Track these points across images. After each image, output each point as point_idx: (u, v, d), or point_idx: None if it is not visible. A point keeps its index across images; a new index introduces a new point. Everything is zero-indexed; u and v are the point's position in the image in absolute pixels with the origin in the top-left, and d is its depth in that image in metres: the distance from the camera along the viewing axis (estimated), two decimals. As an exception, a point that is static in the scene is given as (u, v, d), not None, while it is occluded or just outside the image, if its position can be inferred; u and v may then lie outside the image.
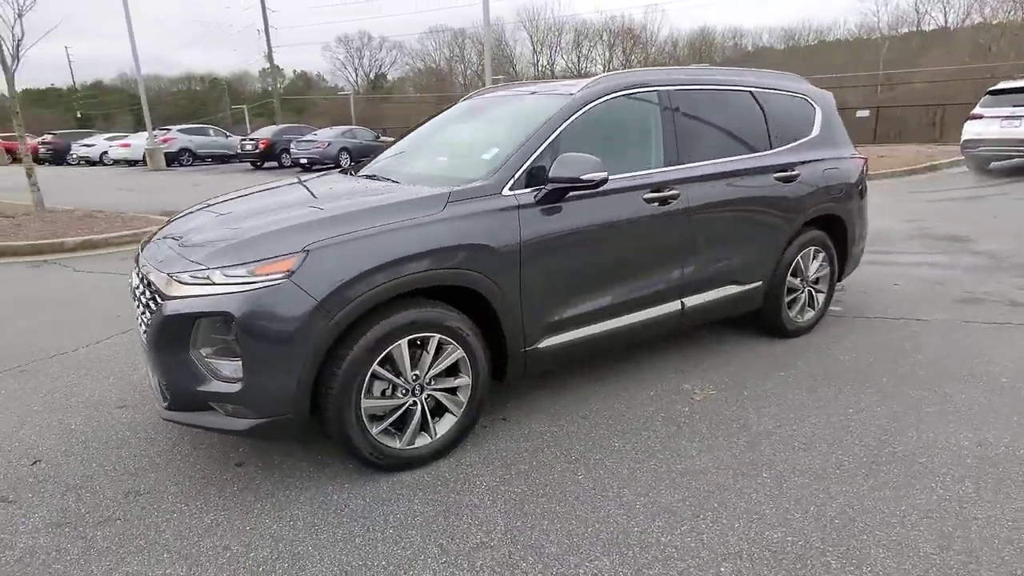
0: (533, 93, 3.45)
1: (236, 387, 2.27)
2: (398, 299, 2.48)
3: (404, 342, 2.48)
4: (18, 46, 8.77)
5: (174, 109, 59.09)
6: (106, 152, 26.21)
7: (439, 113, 4.09)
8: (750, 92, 3.75)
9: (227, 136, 25.97)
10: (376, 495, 2.46)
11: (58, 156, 28.26)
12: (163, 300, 2.35)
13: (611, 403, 3.20)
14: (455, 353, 2.62)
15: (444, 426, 2.69)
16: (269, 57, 40.67)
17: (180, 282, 2.33)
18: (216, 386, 2.30)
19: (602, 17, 70.56)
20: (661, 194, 3.17)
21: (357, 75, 66.69)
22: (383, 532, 2.24)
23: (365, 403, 2.44)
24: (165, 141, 24.39)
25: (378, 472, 2.59)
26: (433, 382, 2.62)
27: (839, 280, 4.38)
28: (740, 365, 3.64)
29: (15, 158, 30.45)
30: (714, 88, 3.62)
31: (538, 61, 56.13)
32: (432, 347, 2.56)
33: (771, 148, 3.75)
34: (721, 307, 3.63)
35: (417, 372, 2.55)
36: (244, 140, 22.22)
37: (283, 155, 20.64)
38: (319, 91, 68.47)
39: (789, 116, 3.96)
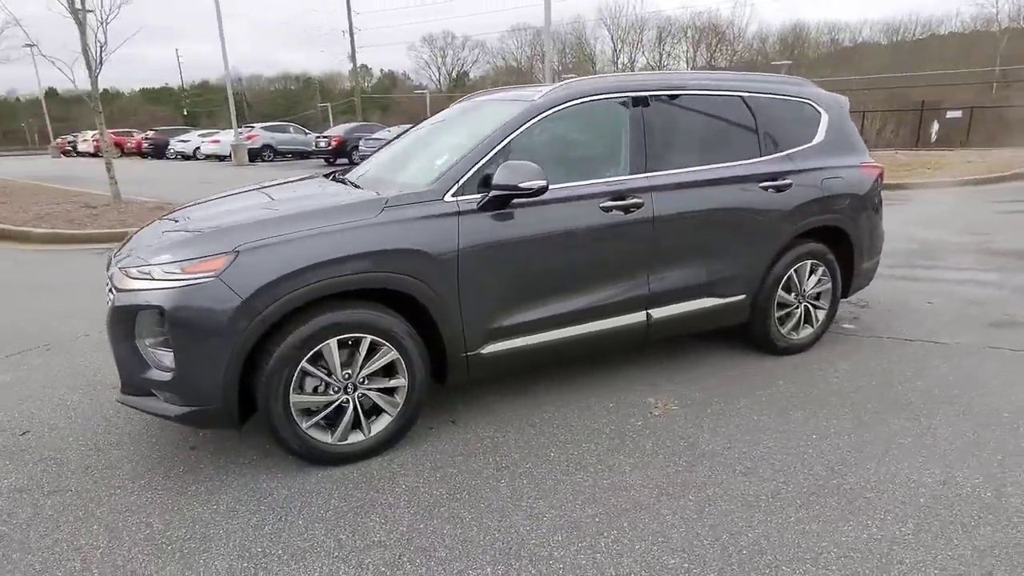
0: (504, 99, 3.45)
1: (169, 376, 2.43)
2: (329, 299, 2.57)
3: (333, 341, 2.56)
4: (101, 51, 9.65)
5: (271, 107, 62.37)
6: (199, 148, 28.14)
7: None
8: (741, 97, 3.59)
9: (306, 133, 27.22)
10: (302, 487, 2.56)
11: (158, 151, 30.65)
12: (115, 293, 2.55)
13: (565, 412, 3.17)
14: (389, 355, 2.69)
15: (379, 425, 2.76)
16: (352, 57, 42.54)
17: (128, 276, 2.51)
18: (155, 374, 2.47)
19: (687, 13, 68.78)
20: (622, 202, 3.10)
21: (440, 74, 68.24)
22: (293, 523, 2.34)
23: (294, 398, 2.55)
24: (250, 138, 25.90)
25: (312, 465, 2.69)
26: (367, 381, 2.69)
27: (845, 297, 4.11)
28: (719, 381, 3.50)
29: (123, 152, 33.35)
30: (697, 94, 3.48)
31: (618, 59, 55.27)
32: (364, 348, 2.64)
33: (760, 155, 3.58)
34: (697, 320, 3.50)
35: (349, 371, 2.64)
36: (319, 137, 23.24)
37: (353, 152, 21.44)
38: (403, 90, 70.50)
39: (787, 122, 3.76)
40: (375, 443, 2.75)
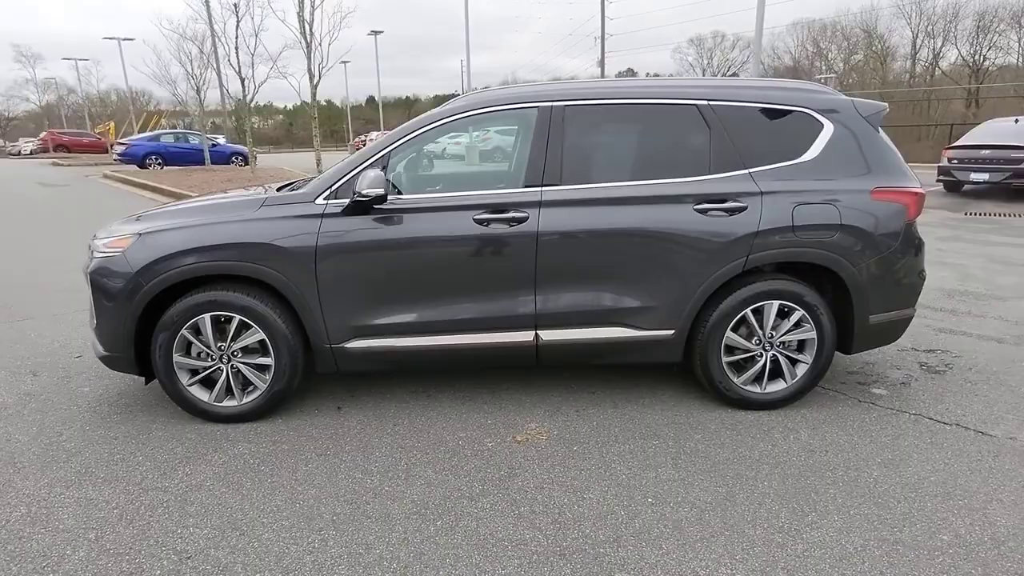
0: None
1: (94, 325, 3.15)
2: (208, 280, 3.03)
3: (207, 316, 3.03)
4: (320, 67, 11.74)
5: None
6: (445, 148, 31.79)
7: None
8: (696, 107, 3.12)
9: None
10: (195, 437, 3.07)
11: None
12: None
13: (419, 423, 3.15)
14: (257, 335, 3.06)
15: (251, 396, 3.15)
16: (600, 63, 43.68)
17: (92, 247, 3.29)
18: (94, 323, 3.21)
19: (1020, -4, 55.36)
20: (502, 216, 3.00)
21: (705, 75, 66.00)
22: (115, 471, 2.80)
23: (176, 358, 3.07)
24: (486, 139, 28.47)
25: (197, 420, 3.18)
26: (239, 355, 3.11)
27: (847, 353, 3.28)
28: (624, 421, 3.13)
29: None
30: (631, 103, 3.15)
31: (916, 54, 46.78)
32: (233, 325, 3.05)
33: (709, 173, 3.08)
34: (605, 350, 3.19)
35: (222, 344, 3.08)
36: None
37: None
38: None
39: (760, 135, 3.16)
40: (246, 410, 3.14)
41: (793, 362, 3.22)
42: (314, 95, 12.43)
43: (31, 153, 38.11)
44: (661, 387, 3.52)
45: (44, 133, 39.65)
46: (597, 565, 2.11)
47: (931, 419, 3.13)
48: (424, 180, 3.23)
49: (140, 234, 3.05)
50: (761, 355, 3.20)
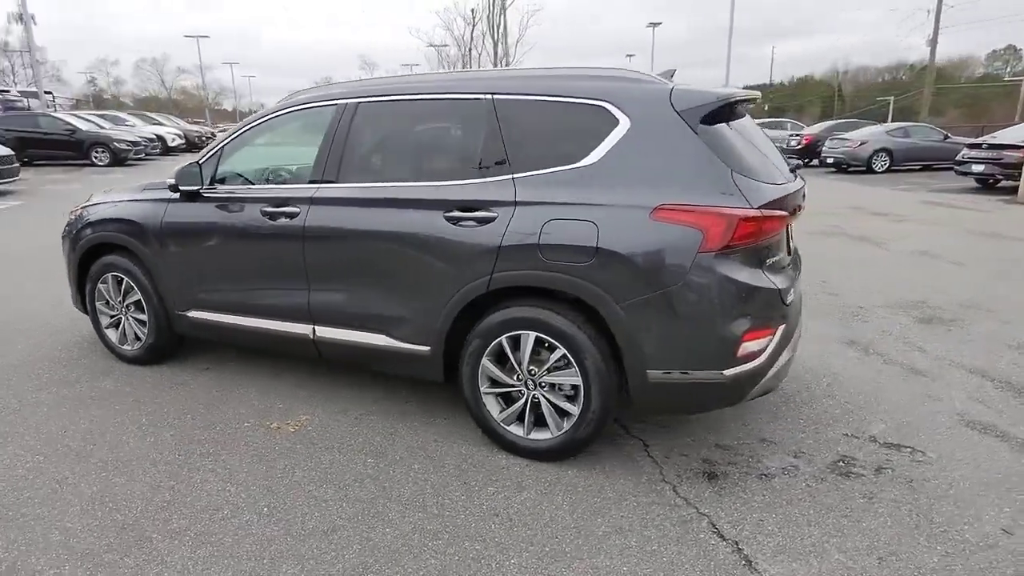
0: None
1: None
2: (114, 247, 3.78)
3: (109, 275, 3.79)
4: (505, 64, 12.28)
5: (866, 100, 55.96)
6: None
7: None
8: (479, 101, 2.75)
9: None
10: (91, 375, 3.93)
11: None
12: None
13: (208, 395, 3.43)
14: (136, 295, 3.72)
15: (138, 343, 3.83)
16: (931, 41, 36.16)
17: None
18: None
19: None
20: (279, 209, 3.10)
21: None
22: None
23: (98, 306, 3.92)
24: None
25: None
26: (130, 309, 3.80)
27: (630, 406, 2.55)
28: (379, 440, 2.98)
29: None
30: (421, 99, 2.90)
31: None
32: (124, 285, 3.76)
33: (474, 176, 2.70)
34: (371, 356, 3.04)
35: (120, 300, 3.82)
36: (791, 135, 21.56)
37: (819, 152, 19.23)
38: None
39: (542, 134, 2.64)
40: (139, 354, 3.84)
41: (562, 410, 2.66)
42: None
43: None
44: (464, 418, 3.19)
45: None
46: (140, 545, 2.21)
47: (716, 531, 2.29)
48: (255, 174, 3.48)
49: (79, 207, 3.95)
50: (522, 393, 2.72)
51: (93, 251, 3.84)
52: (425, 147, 2.99)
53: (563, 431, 2.66)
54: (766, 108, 65.06)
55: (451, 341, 2.81)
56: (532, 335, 2.61)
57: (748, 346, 2.37)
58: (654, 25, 40.13)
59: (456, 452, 2.83)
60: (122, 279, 3.74)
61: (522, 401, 2.73)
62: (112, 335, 3.93)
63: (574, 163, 2.54)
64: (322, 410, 3.24)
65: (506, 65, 12.49)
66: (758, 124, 3.00)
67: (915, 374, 3.66)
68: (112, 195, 3.91)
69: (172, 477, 2.65)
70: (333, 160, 3.04)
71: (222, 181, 3.38)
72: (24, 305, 4.99)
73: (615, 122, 2.50)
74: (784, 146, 21.95)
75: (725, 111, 2.50)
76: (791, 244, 2.93)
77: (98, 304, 3.91)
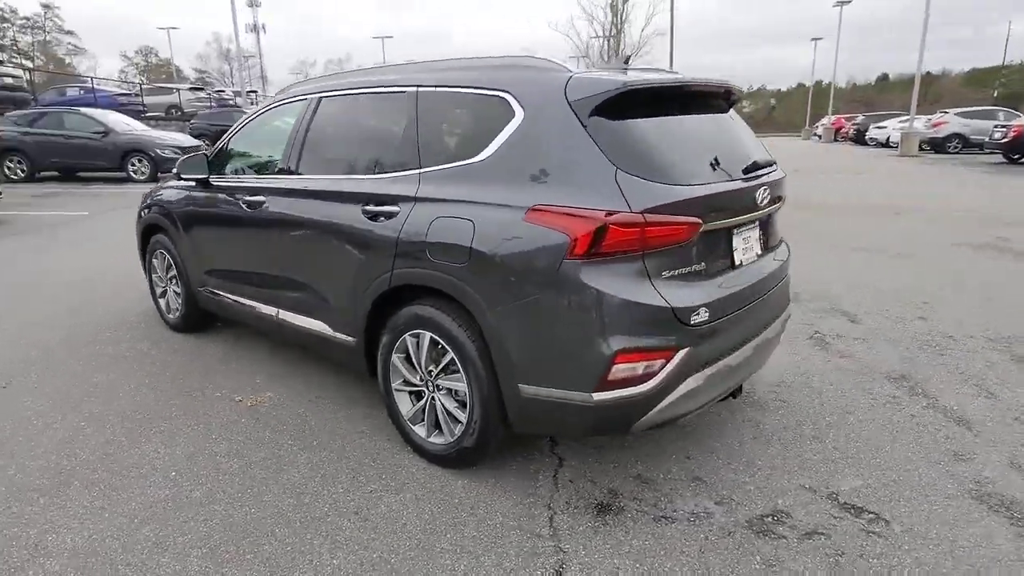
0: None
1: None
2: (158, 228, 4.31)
3: (158, 252, 4.32)
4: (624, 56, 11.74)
5: None
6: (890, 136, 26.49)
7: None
8: (405, 94, 2.70)
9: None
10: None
11: (859, 136, 30.49)
12: None
13: (213, 374, 3.72)
14: (175, 271, 4.20)
15: (177, 315, 4.34)
16: None
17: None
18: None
19: None
20: (254, 199, 3.31)
21: None
22: None
23: (153, 277, 4.50)
24: (937, 125, 22.70)
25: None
26: (172, 282, 4.31)
27: (505, 424, 2.35)
28: (327, 427, 3.09)
29: (836, 136, 34.65)
30: (369, 92, 2.92)
31: None
32: (166, 261, 4.27)
33: (390, 171, 2.67)
34: (316, 342, 3.14)
35: (165, 273, 4.35)
36: (996, 126, 18.09)
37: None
38: None
39: (451, 126, 2.53)
40: (177, 323, 4.34)
41: (456, 417, 2.54)
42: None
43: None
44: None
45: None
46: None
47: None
48: (250, 164, 3.71)
49: (152, 189, 4.53)
50: (424, 394, 2.65)
51: (149, 229, 4.41)
52: (360, 141, 3.01)
53: (455, 438, 2.55)
54: (996, 95, 54.89)
55: (372, 334, 2.82)
56: (428, 335, 2.53)
57: (622, 369, 2.08)
58: (842, 4, 36.07)
59: (371, 447, 2.83)
60: (164, 255, 4.26)
61: (423, 402, 2.66)
62: (161, 304, 4.49)
63: (471, 158, 2.40)
64: (287, 390, 3.42)
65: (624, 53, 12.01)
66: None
67: (956, 424, 2.95)
68: (169, 180, 4.44)
69: (128, 434, 2.98)
70: (295, 153, 3.18)
71: (228, 171, 3.69)
72: (131, 276, 5.87)
73: (512, 114, 2.32)
74: (988, 139, 18.63)
75: (639, 100, 2.20)
76: (745, 249, 2.49)
77: (153, 276, 4.48)
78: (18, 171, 13.96)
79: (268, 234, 3.25)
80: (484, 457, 2.55)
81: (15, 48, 57.53)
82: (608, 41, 18.74)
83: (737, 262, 2.43)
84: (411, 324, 2.58)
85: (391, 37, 62.15)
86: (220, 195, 3.61)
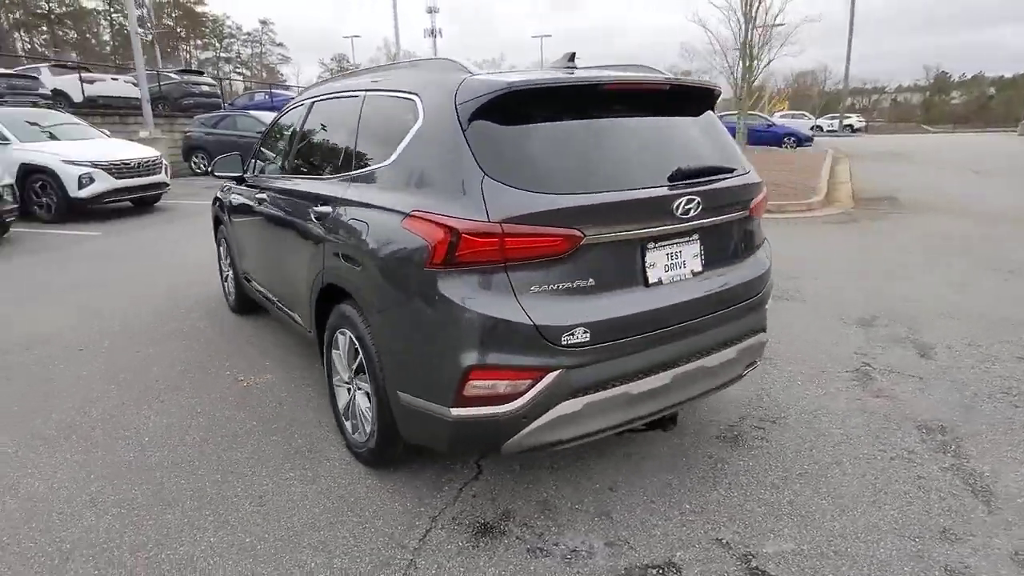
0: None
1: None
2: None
3: (222, 240, 4.85)
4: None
5: None
6: None
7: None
8: (364, 96, 2.77)
9: None
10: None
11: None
12: None
13: (215, 354, 4.08)
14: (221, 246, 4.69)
15: (233, 298, 4.83)
16: None
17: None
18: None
19: None
20: (262, 196, 3.58)
21: None
22: None
23: (220, 265, 5.06)
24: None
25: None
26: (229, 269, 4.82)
27: (406, 438, 2.30)
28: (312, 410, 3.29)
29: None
30: (337, 97, 3.04)
31: None
32: (224, 250, 4.77)
33: (334, 172, 2.76)
34: (296, 329, 3.35)
35: (226, 261, 4.85)
36: None
37: None
38: None
39: (380, 129, 2.54)
40: (234, 306, 4.85)
41: (367, 417, 2.57)
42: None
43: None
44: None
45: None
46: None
47: (403, 577, 2.01)
48: (272, 165, 3.97)
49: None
50: (346, 389, 2.72)
51: (215, 221, 4.95)
52: (329, 143, 3.12)
53: (365, 438, 2.58)
54: None
55: (321, 330, 2.94)
56: (349, 334, 2.58)
57: (478, 386, 1.96)
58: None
59: (316, 436, 2.95)
60: (223, 243, 4.76)
61: (347, 399, 2.72)
62: (224, 287, 5.03)
63: (384, 161, 2.41)
64: (285, 374, 3.67)
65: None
66: None
67: (972, 495, 2.38)
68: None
69: (137, 401, 3.39)
70: (290, 154, 3.41)
71: (256, 170, 4.03)
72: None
73: (417, 117, 2.29)
74: None
75: (534, 102, 2.07)
76: (668, 266, 2.22)
77: (221, 263, 5.04)
78: (201, 165, 16.28)
79: (266, 230, 3.51)
80: (386, 459, 2.55)
81: (239, 60, 67.57)
82: (744, 30, 17.38)
83: (653, 280, 2.17)
84: (339, 323, 2.65)
85: (549, 36, 62.92)
86: (248, 192, 3.96)
